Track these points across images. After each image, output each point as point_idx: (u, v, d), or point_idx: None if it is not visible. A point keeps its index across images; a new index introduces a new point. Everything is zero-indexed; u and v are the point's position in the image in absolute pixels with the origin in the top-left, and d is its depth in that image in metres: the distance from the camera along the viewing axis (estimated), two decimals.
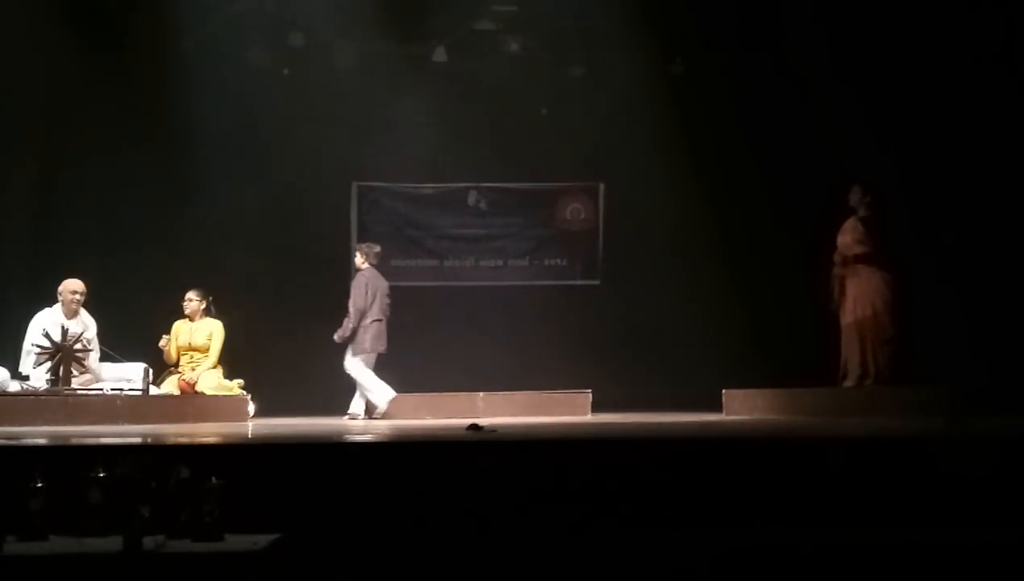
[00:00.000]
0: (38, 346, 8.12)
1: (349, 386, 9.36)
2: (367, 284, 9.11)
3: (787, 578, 4.35)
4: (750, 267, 10.42)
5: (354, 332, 9.05)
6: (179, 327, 8.91)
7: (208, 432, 6.94)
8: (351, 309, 9.07)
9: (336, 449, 5.38)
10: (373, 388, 9.04)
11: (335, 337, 9.15)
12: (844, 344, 8.48)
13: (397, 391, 9.07)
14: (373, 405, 9.06)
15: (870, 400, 8.03)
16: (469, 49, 10.73)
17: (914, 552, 4.40)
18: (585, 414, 9.02)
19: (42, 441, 5.70)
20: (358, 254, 9.38)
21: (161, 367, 8.76)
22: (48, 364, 8.02)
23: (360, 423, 8.59)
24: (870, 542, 4.49)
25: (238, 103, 10.27)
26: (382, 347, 9.11)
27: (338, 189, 11.31)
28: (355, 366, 9.08)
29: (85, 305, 8.52)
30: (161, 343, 8.79)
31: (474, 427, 6.36)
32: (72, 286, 8.42)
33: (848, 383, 8.42)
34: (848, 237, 8.49)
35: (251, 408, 8.48)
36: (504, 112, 10.89)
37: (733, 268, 10.40)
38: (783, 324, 9.90)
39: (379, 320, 9.09)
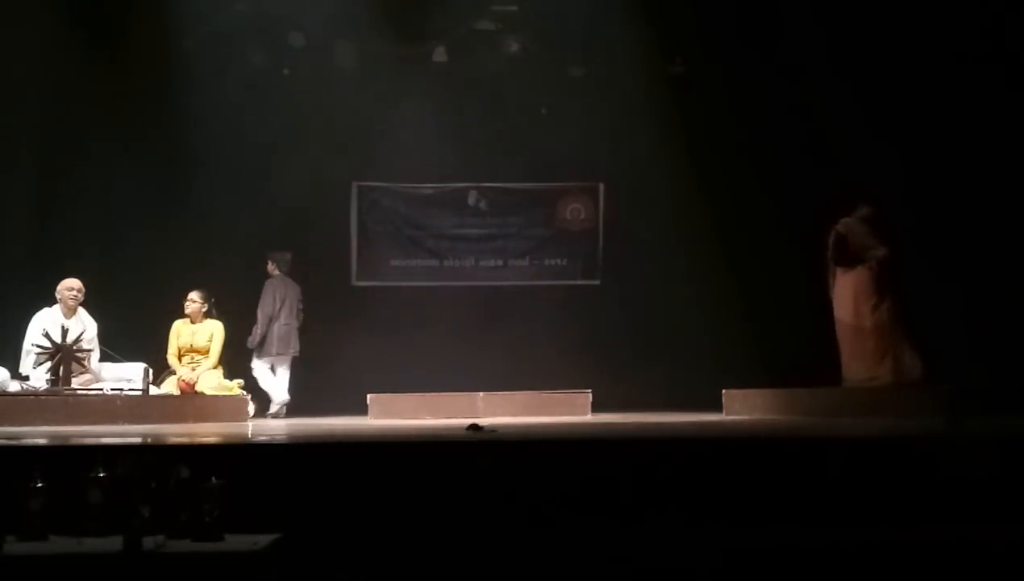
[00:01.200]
0: (38, 346, 8.12)
1: (347, 386, 9.38)
2: (274, 291, 9.67)
3: (787, 578, 4.35)
4: (750, 267, 10.41)
5: (264, 337, 9.57)
6: (180, 327, 8.92)
7: (208, 432, 6.94)
8: (259, 315, 9.60)
9: (336, 449, 5.37)
10: (272, 388, 9.57)
11: (247, 343, 9.61)
12: (880, 341, 8.31)
13: (396, 391, 9.10)
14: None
15: (870, 400, 8.02)
16: (469, 49, 10.72)
17: (914, 552, 4.41)
18: (585, 414, 9.02)
19: (42, 441, 5.70)
20: (269, 262, 9.83)
21: (161, 367, 8.77)
22: (48, 364, 8.02)
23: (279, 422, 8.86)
24: (870, 542, 4.49)
25: (238, 103, 10.27)
26: (294, 350, 9.68)
27: (338, 189, 11.30)
28: (259, 367, 9.58)
29: (85, 305, 8.52)
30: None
31: (474, 427, 6.36)
32: (69, 284, 8.43)
33: (886, 379, 8.26)
34: (876, 240, 8.43)
35: (251, 408, 8.49)
36: (504, 112, 10.89)
37: (733, 268, 10.40)
38: (783, 324, 9.90)
39: (287, 325, 9.63)
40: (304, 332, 9.80)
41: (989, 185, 9.21)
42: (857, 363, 8.40)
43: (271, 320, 9.57)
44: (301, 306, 9.75)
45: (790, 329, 9.76)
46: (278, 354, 9.59)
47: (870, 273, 8.39)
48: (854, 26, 9.50)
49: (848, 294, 8.46)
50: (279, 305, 9.61)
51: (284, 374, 9.65)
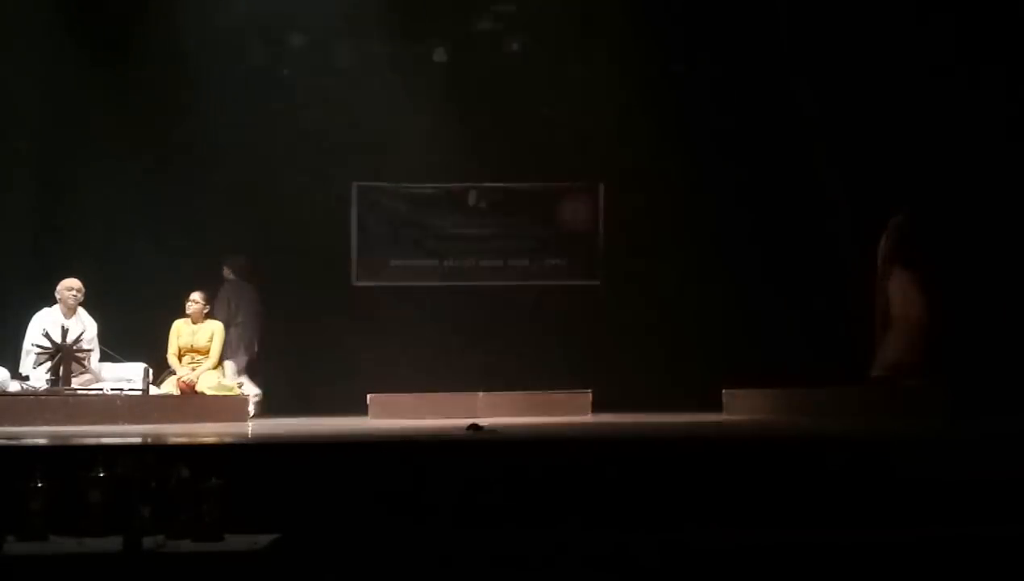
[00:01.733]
0: (38, 346, 8.12)
1: (347, 386, 9.38)
2: (227, 297, 9.66)
3: (786, 577, 4.35)
4: (751, 267, 10.41)
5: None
6: (180, 327, 8.91)
7: (208, 432, 6.95)
8: None
9: (336, 449, 5.38)
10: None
11: None
12: (926, 339, 8.23)
13: (397, 391, 9.10)
14: None
15: (870, 400, 8.02)
16: (469, 49, 10.73)
17: (912, 550, 4.41)
18: (585, 414, 9.01)
19: (42, 441, 5.71)
20: (224, 267, 9.80)
21: (161, 367, 8.77)
22: (48, 364, 8.02)
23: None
24: (870, 542, 4.49)
25: (238, 103, 10.27)
26: (251, 354, 9.69)
27: (338, 189, 11.30)
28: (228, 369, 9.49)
29: (85, 305, 8.52)
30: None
31: (474, 427, 6.37)
32: (69, 284, 8.44)
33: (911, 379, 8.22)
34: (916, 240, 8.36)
35: (251, 408, 8.48)
36: (504, 112, 10.88)
37: (733, 268, 10.39)
38: (784, 324, 9.90)
39: (242, 323, 9.63)
40: (261, 335, 9.73)
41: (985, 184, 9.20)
42: (910, 358, 8.16)
43: (227, 325, 9.40)
44: (256, 307, 9.72)
45: (791, 329, 9.76)
46: (232, 358, 9.52)
47: (930, 272, 8.23)
48: (854, 24, 9.51)
49: (914, 290, 8.25)
50: (233, 309, 9.57)
51: (247, 378, 9.59)
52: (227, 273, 9.79)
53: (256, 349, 9.72)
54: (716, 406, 8.68)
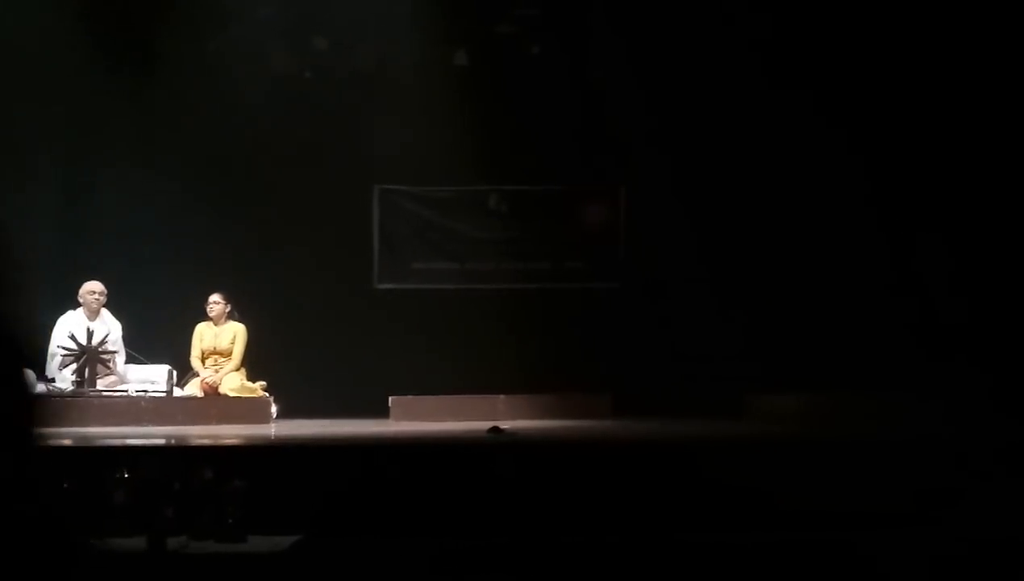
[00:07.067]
0: (64, 348, 8.19)
1: (369, 388, 9.41)
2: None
3: (792, 578, 4.35)
4: (773, 270, 10.36)
5: None
6: (203, 330, 8.95)
7: (231, 434, 6.99)
8: None
9: (358, 451, 5.40)
10: None
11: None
12: None
13: (419, 394, 9.12)
14: None
15: (873, 404, 7.99)
16: (491, 51, 10.75)
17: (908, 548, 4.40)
18: (606, 417, 9.00)
19: (67, 442, 5.75)
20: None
21: (185, 369, 8.82)
22: (74, 366, 8.09)
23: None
24: (871, 540, 4.48)
25: (260, 106, 10.32)
26: None
27: (360, 192, 11.34)
28: None
29: (109, 307, 8.59)
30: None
31: (495, 430, 6.38)
32: (91, 287, 8.52)
33: None
34: None
35: (274, 410, 8.51)
36: (525, 114, 10.88)
37: (755, 271, 10.35)
38: (808, 328, 9.85)
39: None
40: None
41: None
42: None
43: None
44: None
45: (816, 333, 9.72)
46: None
47: None
48: (865, 23, 9.49)
49: None
50: None
51: None
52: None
53: None
54: (740, 411, 8.64)
